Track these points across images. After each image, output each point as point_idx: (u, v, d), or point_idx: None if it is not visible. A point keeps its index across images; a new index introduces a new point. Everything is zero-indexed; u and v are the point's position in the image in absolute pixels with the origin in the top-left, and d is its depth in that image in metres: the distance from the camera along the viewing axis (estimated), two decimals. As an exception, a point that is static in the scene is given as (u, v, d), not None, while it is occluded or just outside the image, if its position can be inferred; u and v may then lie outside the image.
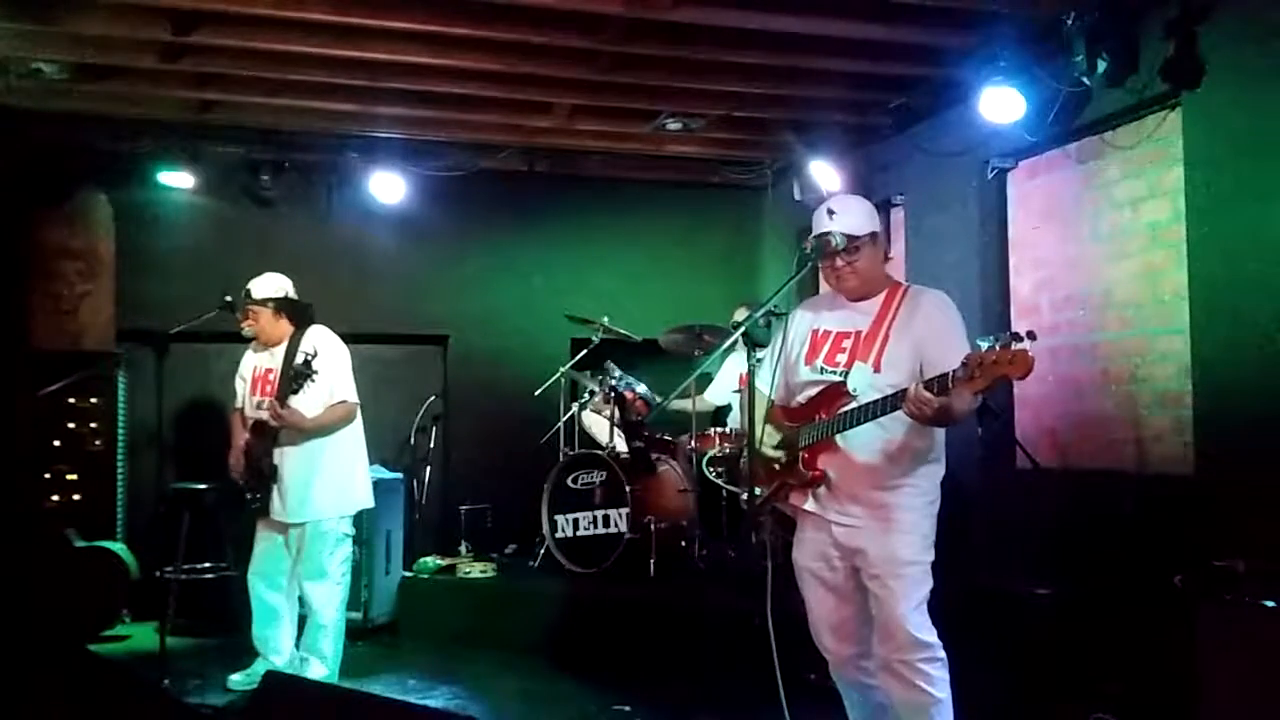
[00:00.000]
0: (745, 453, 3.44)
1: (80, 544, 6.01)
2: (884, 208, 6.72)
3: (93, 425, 6.42)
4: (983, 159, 5.92)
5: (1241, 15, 4.41)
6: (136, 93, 6.22)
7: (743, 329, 3.39)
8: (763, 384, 3.44)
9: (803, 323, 3.44)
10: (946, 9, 5.18)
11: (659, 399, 6.50)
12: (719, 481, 5.96)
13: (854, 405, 3.14)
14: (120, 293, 6.91)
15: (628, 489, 5.90)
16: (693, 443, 6.15)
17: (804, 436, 3.28)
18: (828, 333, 3.34)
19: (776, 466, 3.35)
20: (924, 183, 6.49)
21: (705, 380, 6.88)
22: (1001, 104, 5.28)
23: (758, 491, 3.39)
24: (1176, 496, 4.64)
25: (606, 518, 6.00)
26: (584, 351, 6.85)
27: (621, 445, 6.36)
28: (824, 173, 6.77)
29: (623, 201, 8.10)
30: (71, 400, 6.35)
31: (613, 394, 6.39)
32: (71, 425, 6.37)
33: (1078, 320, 5.57)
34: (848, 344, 3.26)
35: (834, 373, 3.24)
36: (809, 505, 3.30)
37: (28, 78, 5.85)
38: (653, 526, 5.87)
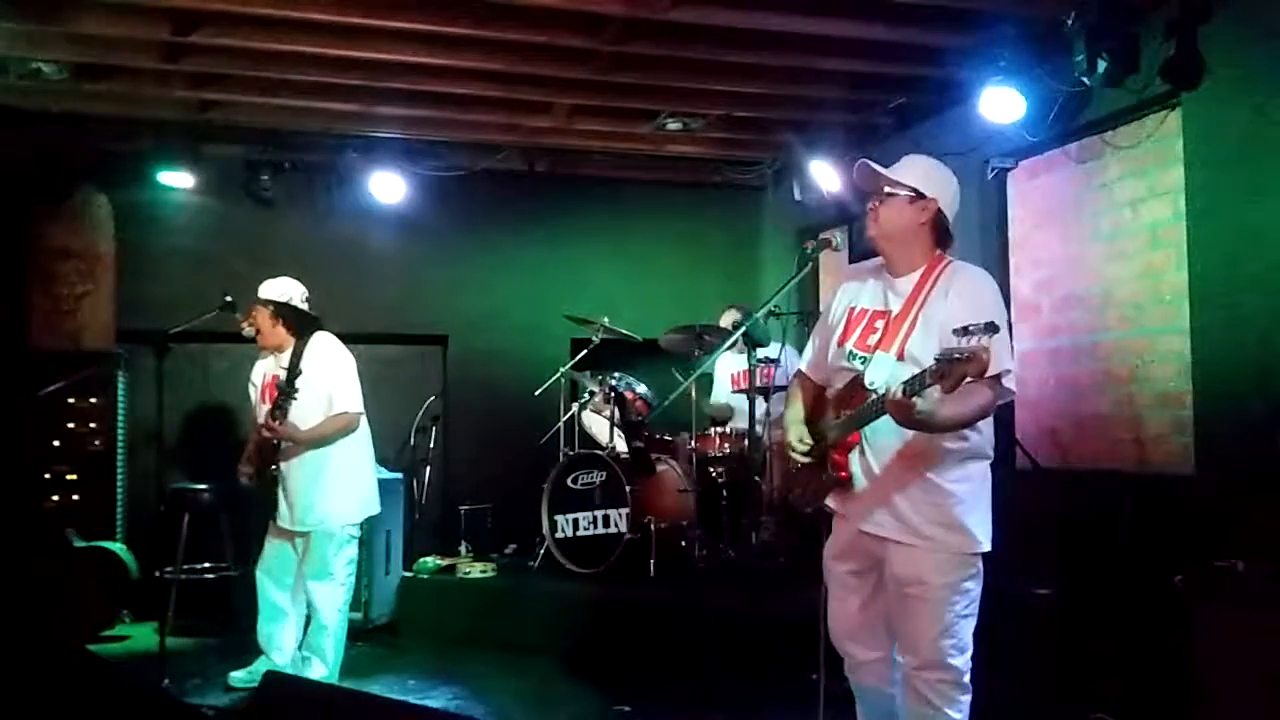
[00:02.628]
0: (764, 455, 3.32)
1: (80, 544, 6.00)
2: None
3: (92, 425, 6.41)
4: (983, 159, 5.91)
5: (1241, 15, 4.42)
6: (136, 93, 6.22)
7: (743, 329, 3.37)
8: (801, 362, 3.30)
9: (844, 297, 3.24)
10: (946, 9, 5.18)
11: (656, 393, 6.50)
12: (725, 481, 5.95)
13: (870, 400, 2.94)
14: (120, 293, 6.90)
15: (628, 489, 5.90)
16: (693, 443, 6.15)
17: (830, 434, 3.11)
18: (864, 311, 3.13)
19: (810, 465, 3.17)
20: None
21: (705, 380, 6.88)
22: (1001, 104, 5.28)
23: (799, 493, 3.24)
24: (1176, 496, 4.64)
25: (606, 518, 6.00)
26: (584, 351, 6.84)
27: (621, 445, 6.36)
28: (824, 173, 6.77)
29: (623, 201, 8.11)
30: (71, 400, 6.34)
31: (613, 394, 6.39)
32: (71, 425, 6.37)
33: (1078, 320, 5.57)
34: (880, 323, 3.04)
35: (860, 358, 3.04)
36: (838, 507, 3.15)
37: (28, 78, 5.85)
38: (653, 526, 5.86)
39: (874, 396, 2.89)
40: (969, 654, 2.97)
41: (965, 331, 2.49)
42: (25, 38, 5.45)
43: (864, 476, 3.03)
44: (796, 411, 3.23)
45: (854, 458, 3.04)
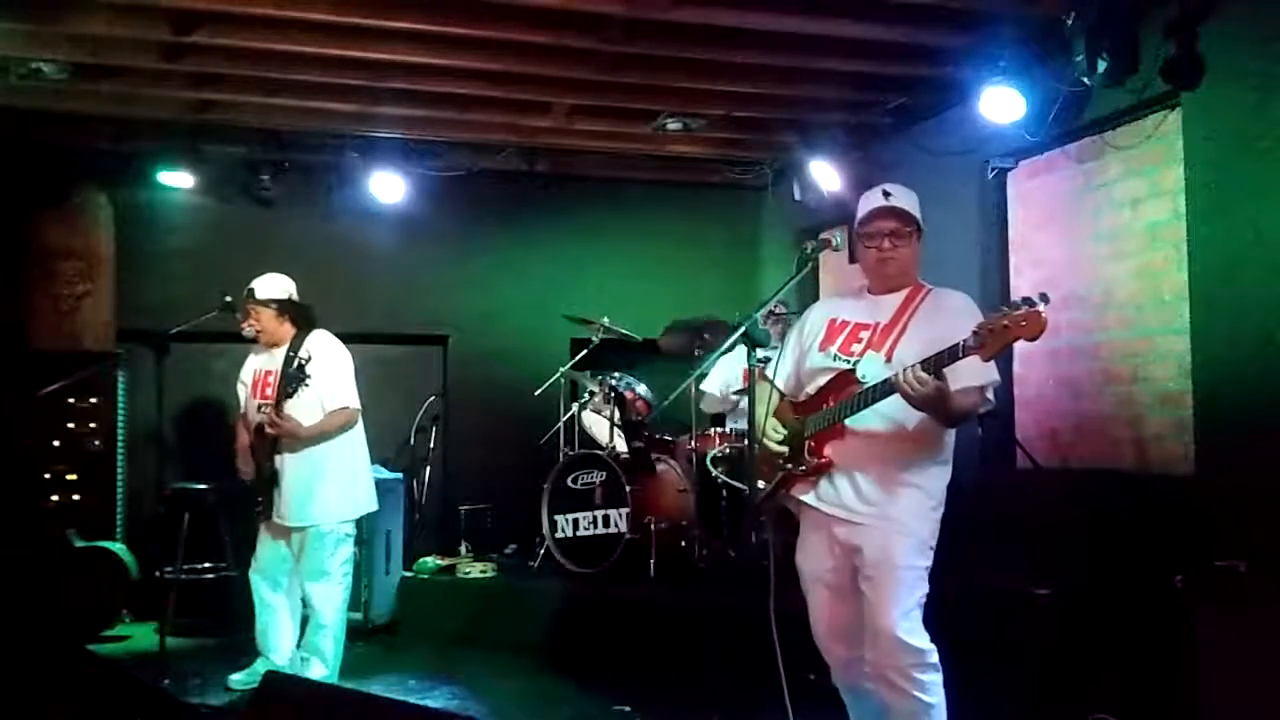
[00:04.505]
0: (748, 449, 3.39)
1: (80, 544, 6.01)
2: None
3: (92, 425, 6.41)
4: (983, 159, 5.92)
5: (1241, 15, 4.42)
6: (136, 93, 6.21)
7: (743, 329, 3.38)
8: (774, 375, 3.39)
9: (821, 314, 3.42)
10: (946, 9, 5.18)
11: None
12: (723, 478, 5.93)
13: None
14: (120, 293, 6.91)
15: (628, 489, 5.90)
16: (693, 443, 6.15)
17: (810, 425, 3.23)
18: (846, 322, 3.30)
19: (780, 460, 3.29)
20: (924, 183, 6.42)
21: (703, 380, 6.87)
22: (1001, 104, 5.28)
23: (760, 486, 3.34)
24: (1176, 496, 4.64)
25: (606, 518, 6.00)
26: (584, 351, 6.85)
27: (621, 445, 6.36)
28: (824, 173, 6.77)
29: (623, 201, 8.10)
30: (71, 400, 6.34)
31: (613, 394, 6.39)
32: (71, 425, 6.37)
33: (1078, 320, 5.57)
34: (865, 334, 3.23)
35: (847, 360, 3.20)
36: (809, 498, 3.25)
37: (28, 78, 5.85)
38: (653, 526, 5.86)
39: (864, 387, 3.07)
40: (928, 638, 3.10)
41: (1009, 305, 2.66)
42: (25, 38, 5.44)
43: (843, 464, 3.17)
44: (768, 408, 3.37)
45: (834, 446, 3.19)
